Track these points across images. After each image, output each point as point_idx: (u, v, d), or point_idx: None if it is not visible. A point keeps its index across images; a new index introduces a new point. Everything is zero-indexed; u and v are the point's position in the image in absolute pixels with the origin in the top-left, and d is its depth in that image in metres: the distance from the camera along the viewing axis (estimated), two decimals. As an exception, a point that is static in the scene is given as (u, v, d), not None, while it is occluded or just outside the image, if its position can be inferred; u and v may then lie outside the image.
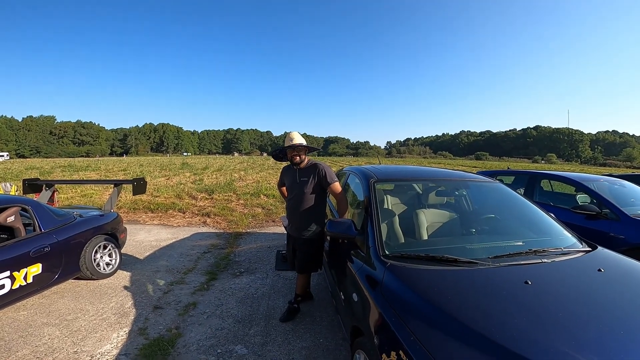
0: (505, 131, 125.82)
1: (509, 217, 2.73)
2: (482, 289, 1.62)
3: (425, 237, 2.34)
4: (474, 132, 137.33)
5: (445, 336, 1.33)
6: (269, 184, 13.34)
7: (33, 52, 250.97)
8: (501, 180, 3.15)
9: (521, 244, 2.20)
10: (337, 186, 2.82)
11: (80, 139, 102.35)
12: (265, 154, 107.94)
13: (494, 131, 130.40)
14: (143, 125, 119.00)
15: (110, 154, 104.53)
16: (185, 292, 3.65)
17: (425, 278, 1.71)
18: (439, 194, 3.08)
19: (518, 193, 2.90)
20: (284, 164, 3.13)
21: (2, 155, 68.70)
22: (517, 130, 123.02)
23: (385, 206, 2.78)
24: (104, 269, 3.87)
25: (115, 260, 4.03)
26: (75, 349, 2.57)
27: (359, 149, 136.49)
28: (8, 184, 7.68)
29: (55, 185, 4.79)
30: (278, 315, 3.16)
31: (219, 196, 10.02)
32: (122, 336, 2.75)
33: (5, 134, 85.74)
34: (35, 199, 3.78)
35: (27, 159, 66.97)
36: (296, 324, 3.00)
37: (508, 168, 8.77)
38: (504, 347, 1.23)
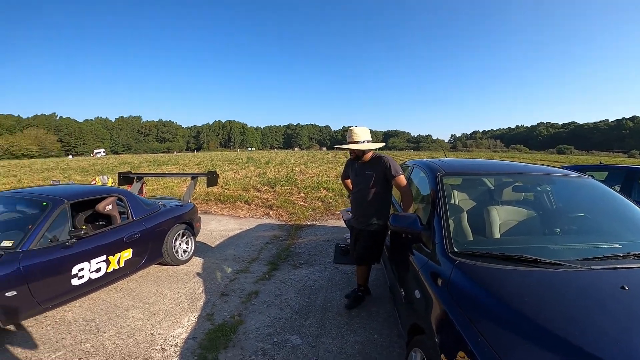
0: (595, 122, 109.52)
1: (603, 217, 2.41)
2: (569, 293, 1.47)
3: (497, 235, 2.16)
4: (555, 123, 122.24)
5: (519, 339, 1.24)
6: (329, 177, 13.49)
7: (122, 57, 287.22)
8: (592, 176, 2.76)
9: (618, 246, 1.95)
10: (402, 179, 2.75)
11: (162, 136, 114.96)
12: (324, 148, 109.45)
13: (580, 122, 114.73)
14: (213, 123, 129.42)
15: (186, 150, 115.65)
16: (249, 281, 3.88)
17: (500, 278, 1.59)
18: (515, 190, 2.81)
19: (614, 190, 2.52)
20: (346, 156, 3.14)
21: (100, 152, 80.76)
22: (610, 121, 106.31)
23: (452, 201, 2.62)
24: (182, 255, 4.25)
25: (191, 247, 4.43)
26: (152, 331, 2.82)
27: (420, 143, 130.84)
28: (105, 177, 8.99)
29: (144, 178, 5.46)
30: (334, 308, 3.21)
31: (281, 189, 10.43)
32: (192, 320, 2.99)
33: (102, 133, 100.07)
34: (127, 190, 4.32)
35: (120, 155, 77.36)
36: (351, 318, 3.01)
37: (600, 163, 7.62)
38: (592, 356, 1.10)
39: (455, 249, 1.87)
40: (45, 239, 2.78)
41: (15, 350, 2.55)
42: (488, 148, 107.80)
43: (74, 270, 2.90)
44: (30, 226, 2.76)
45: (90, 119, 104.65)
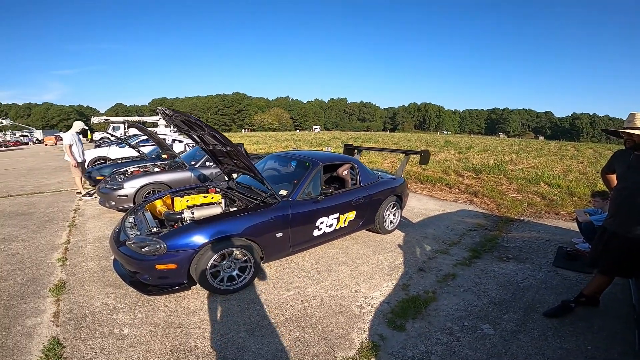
0: None
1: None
2: None
3: None
4: None
5: None
6: (553, 171, 11.10)
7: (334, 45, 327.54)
8: None
9: None
10: None
11: (363, 116, 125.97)
12: (541, 137, 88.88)
13: None
14: (408, 105, 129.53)
15: (383, 130, 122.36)
16: (447, 263, 3.91)
17: None
18: None
19: None
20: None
21: (317, 128, 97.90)
22: None
23: None
24: (388, 225, 4.70)
25: (397, 219, 4.85)
26: (356, 289, 3.19)
27: None
28: (329, 148, 10.98)
29: (363, 151, 6.34)
30: (543, 310, 2.86)
31: (487, 177, 9.51)
32: (389, 287, 3.26)
33: (318, 112, 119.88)
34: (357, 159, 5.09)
35: (330, 131, 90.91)
36: (562, 324, 2.65)
37: None
38: None
39: None
40: (304, 193, 3.57)
41: (262, 284, 3.23)
42: None
43: (317, 223, 3.57)
44: (295, 181, 3.68)
45: (311, 100, 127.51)
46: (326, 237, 3.84)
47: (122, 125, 26.00)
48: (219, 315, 2.71)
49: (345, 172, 4.14)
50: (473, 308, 2.95)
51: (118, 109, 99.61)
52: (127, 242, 2.84)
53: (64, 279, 3.29)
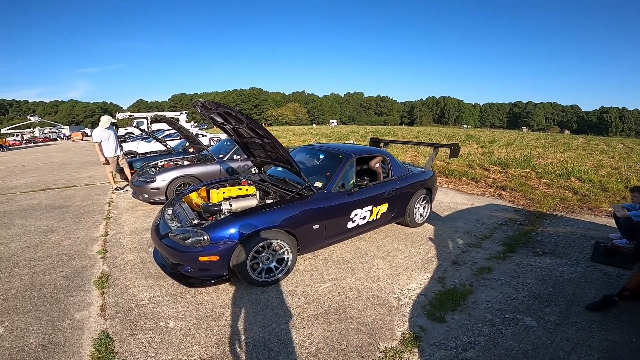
0: None
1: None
2: None
3: None
4: None
5: None
6: (583, 166, 10.69)
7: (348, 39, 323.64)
8: None
9: None
10: None
11: (380, 110, 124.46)
12: (567, 132, 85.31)
13: None
14: (426, 99, 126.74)
15: (400, 124, 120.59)
16: (481, 256, 3.86)
17: None
18: None
19: None
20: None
21: (333, 122, 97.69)
22: None
23: None
24: (418, 218, 4.67)
25: (427, 212, 4.80)
26: (392, 281, 3.22)
27: None
28: (351, 141, 10.93)
29: (389, 144, 6.30)
30: (585, 304, 2.83)
31: (514, 171, 9.26)
32: (425, 279, 3.27)
33: (334, 106, 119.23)
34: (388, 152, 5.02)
35: (347, 125, 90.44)
36: (607, 317, 2.63)
37: None
38: None
39: None
40: (338, 185, 3.57)
41: (297, 276, 3.26)
42: None
43: (351, 215, 3.59)
44: (328, 173, 3.68)
45: (327, 95, 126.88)
46: (359, 230, 3.85)
47: (145, 121, 26.68)
48: (259, 307, 2.75)
49: (377, 165, 4.13)
50: (512, 301, 2.92)
51: (140, 105, 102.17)
52: (169, 234, 2.90)
53: (107, 271, 3.37)
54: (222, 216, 3.10)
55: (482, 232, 4.67)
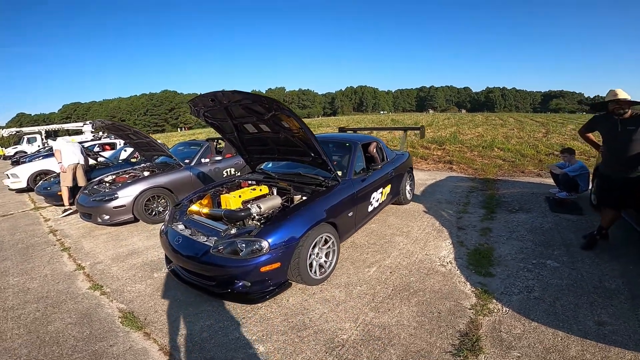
0: None
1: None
2: None
3: None
4: None
5: None
6: (496, 138, 12.64)
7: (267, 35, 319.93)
8: None
9: None
10: None
11: (302, 103, 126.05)
12: (464, 111, 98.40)
13: None
14: (345, 89, 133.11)
15: (323, 115, 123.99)
16: (475, 220, 4.37)
17: None
18: None
19: None
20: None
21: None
22: None
23: None
24: (407, 195, 5.03)
25: (412, 189, 5.20)
26: (425, 252, 3.44)
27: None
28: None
29: (357, 132, 6.57)
30: (576, 245, 3.43)
31: (450, 147, 10.45)
32: (449, 246, 3.57)
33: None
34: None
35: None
36: (598, 254, 3.23)
37: None
38: None
39: None
40: (354, 172, 3.60)
41: (340, 269, 3.19)
42: None
43: (370, 198, 3.73)
44: (335, 162, 3.70)
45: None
46: (374, 212, 3.99)
47: (38, 136, 22.47)
48: (332, 305, 2.63)
49: (374, 150, 4.31)
50: (527, 250, 3.42)
51: (22, 120, 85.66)
52: (212, 251, 2.56)
53: (125, 308, 2.79)
54: (252, 221, 2.90)
55: (461, 200, 5.26)
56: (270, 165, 4.29)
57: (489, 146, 10.49)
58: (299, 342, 2.24)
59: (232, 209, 3.08)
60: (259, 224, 2.87)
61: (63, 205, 6.16)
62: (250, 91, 2.79)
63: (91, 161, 8.86)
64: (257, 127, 3.26)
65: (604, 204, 3.33)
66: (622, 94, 2.97)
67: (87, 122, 23.19)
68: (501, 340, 2.13)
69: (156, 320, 2.60)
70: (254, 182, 3.74)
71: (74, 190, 6.13)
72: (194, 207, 3.46)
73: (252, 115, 3.07)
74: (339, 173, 3.48)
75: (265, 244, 2.47)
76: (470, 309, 2.47)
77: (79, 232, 5.08)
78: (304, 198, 3.14)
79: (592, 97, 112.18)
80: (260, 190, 3.41)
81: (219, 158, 6.08)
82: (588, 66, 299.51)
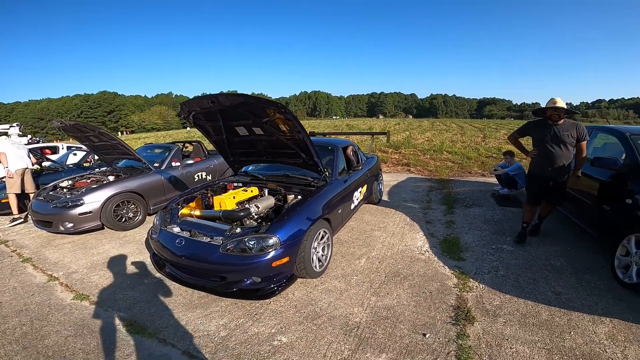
0: None
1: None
2: None
3: None
4: None
5: None
6: (443, 142, 13.91)
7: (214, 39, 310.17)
8: None
9: None
10: (586, 143, 3.45)
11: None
12: (410, 117, 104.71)
13: None
14: (299, 94, 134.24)
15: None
16: (439, 214, 4.93)
17: None
18: None
19: None
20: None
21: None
22: None
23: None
24: (378, 195, 5.45)
25: (382, 189, 5.65)
26: (404, 244, 3.85)
27: (524, 112, 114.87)
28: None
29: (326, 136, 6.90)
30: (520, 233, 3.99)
31: (405, 151, 11.29)
32: (422, 237, 4.03)
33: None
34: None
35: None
36: (540, 240, 3.90)
37: None
38: None
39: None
40: (337, 172, 3.91)
41: (333, 262, 3.40)
42: (616, 119, 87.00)
43: (353, 197, 4.02)
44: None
45: (198, 95, 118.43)
46: (355, 210, 4.30)
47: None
48: (336, 294, 2.84)
49: (351, 153, 4.64)
50: (485, 237, 3.99)
51: None
52: (221, 250, 2.61)
53: (126, 317, 2.70)
54: (250, 220, 3.04)
55: (423, 198, 5.83)
56: (251, 167, 4.42)
57: (438, 150, 11.54)
58: (317, 329, 2.40)
59: (229, 209, 3.19)
60: (255, 223, 3.02)
61: (10, 214, 5.63)
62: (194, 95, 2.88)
63: (35, 165, 8.10)
64: (250, 130, 3.39)
65: (534, 199, 3.77)
66: (561, 103, 3.36)
67: (14, 124, 20.54)
68: (487, 311, 2.57)
69: (166, 325, 2.56)
70: (240, 185, 3.85)
71: (21, 197, 5.65)
72: (185, 210, 3.49)
73: (248, 118, 3.19)
74: (327, 173, 3.73)
75: (275, 240, 2.60)
76: (454, 287, 2.90)
77: (37, 242, 4.69)
78: (299, 197, 3.33)
79: (519, 104, 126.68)
80: (252, 191, 3.55)
81: (191, 162, 6.00)
82: (515, 74, 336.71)
